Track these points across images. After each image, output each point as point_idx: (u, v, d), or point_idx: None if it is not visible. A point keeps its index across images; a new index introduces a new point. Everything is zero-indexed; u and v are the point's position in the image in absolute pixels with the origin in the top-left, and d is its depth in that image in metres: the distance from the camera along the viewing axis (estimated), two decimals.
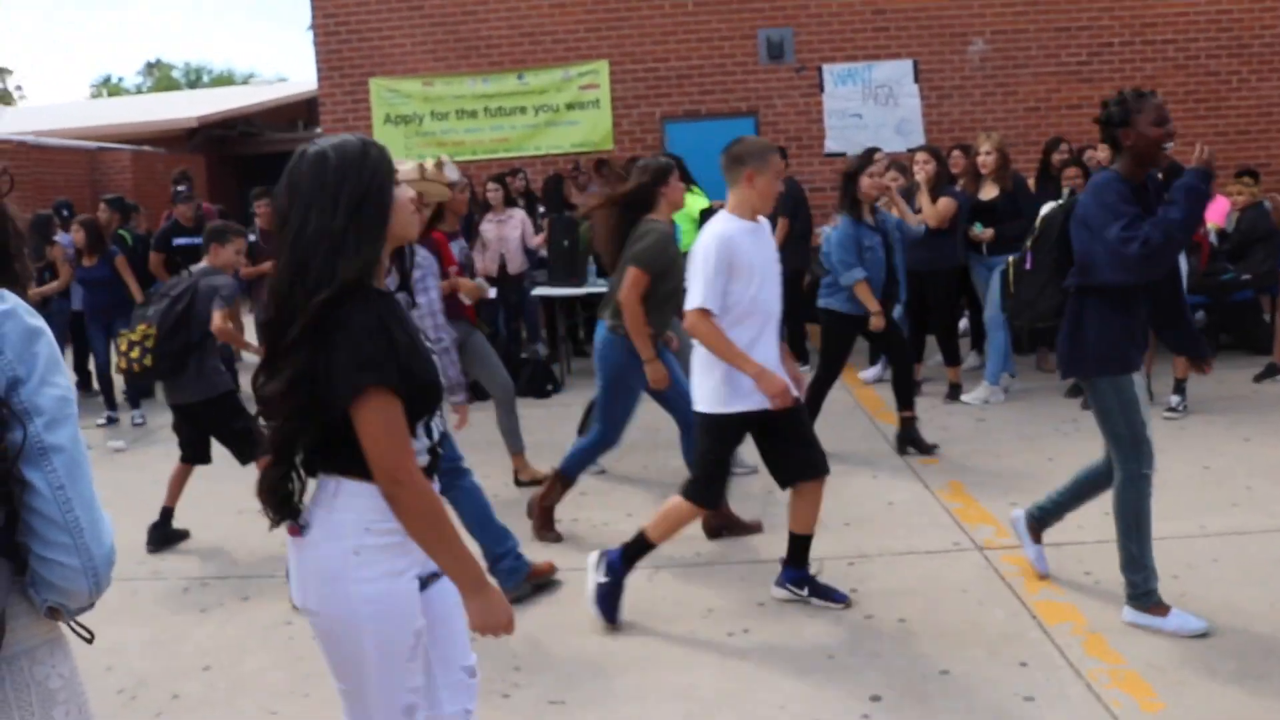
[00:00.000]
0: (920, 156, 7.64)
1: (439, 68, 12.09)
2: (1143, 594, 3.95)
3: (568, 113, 12.14)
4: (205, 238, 5.65)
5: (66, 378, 1.65)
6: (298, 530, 2.20)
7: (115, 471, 7.23)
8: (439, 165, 5.56)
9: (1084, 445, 6.33)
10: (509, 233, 9.08)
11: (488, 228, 9.11)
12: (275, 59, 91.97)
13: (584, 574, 4.37)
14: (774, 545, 4.99)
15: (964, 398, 7.58)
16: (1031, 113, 11.70)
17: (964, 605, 4.22)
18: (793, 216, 9.00)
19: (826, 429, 7.08)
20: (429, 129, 12.17)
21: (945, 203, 7.46)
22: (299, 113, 20.91)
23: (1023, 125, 11.59)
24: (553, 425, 7.52)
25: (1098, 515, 5.09)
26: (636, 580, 4.68)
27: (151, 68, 55.63)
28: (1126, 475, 3.96)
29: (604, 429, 5.39)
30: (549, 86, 12.10)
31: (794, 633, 4.06)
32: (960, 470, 5.99)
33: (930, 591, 4.38)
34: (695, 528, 5.31)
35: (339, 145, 2.11)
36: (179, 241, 9.13)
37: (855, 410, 7.63)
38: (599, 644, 4.11)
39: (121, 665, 4.15)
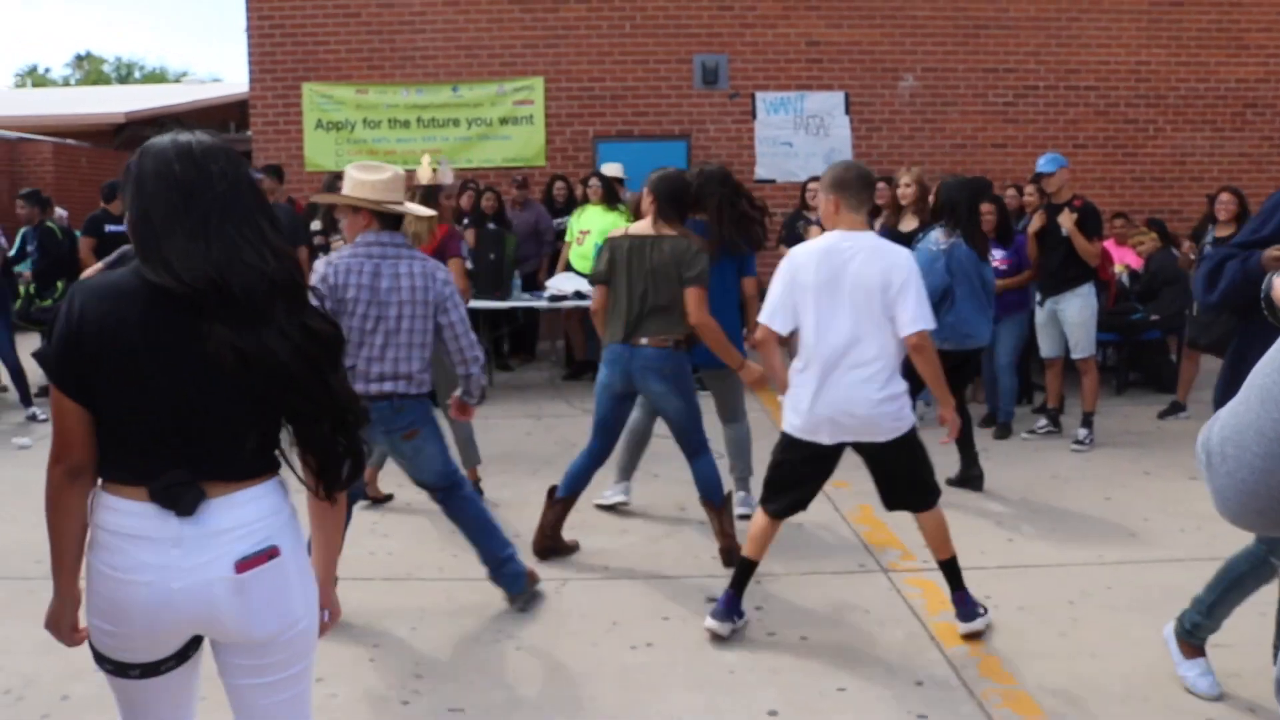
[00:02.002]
0: None
1: (373, 76, 12.04)
2: (1190, 629, 3.70)
3: (501, 127, 12.16)
4: None
5: None
6: (277, 551, 2.10)
7: (21, 470, 7.05)
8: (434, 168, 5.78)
9: (993, 472, 6.50)
10: None
11: None
12: (210, 59, 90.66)
13: (479, 584, 4.37)
14: (682, 561, 5.04)
15: None
16: (958, 149, 11.98)
17: (865, 625, 4.28)
18: None
19: None
20: (360, 136, 12.09)
21: None
22: (231, 114, 20.62)
23: (948, 161, 11.83)
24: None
25: (1000, 541, 5.23)
26: (545, 592, 4.69)
27: (81, 60, 54.47)
28: (1254, 549, 3.55)
29: (703, 446, 5.12)
30: (483, 100, 12.11)
31: (696, 647, 4.09)
32: (870, 494, 6.02)
33: (833, 611, 4.44)
34: (610, 541, 5.33)
35: None
36: (110, 229, 9.05)
37: (772, 432, 7.66)
38: (501, 653, 4.10)
39: (9, 665, 4.04)
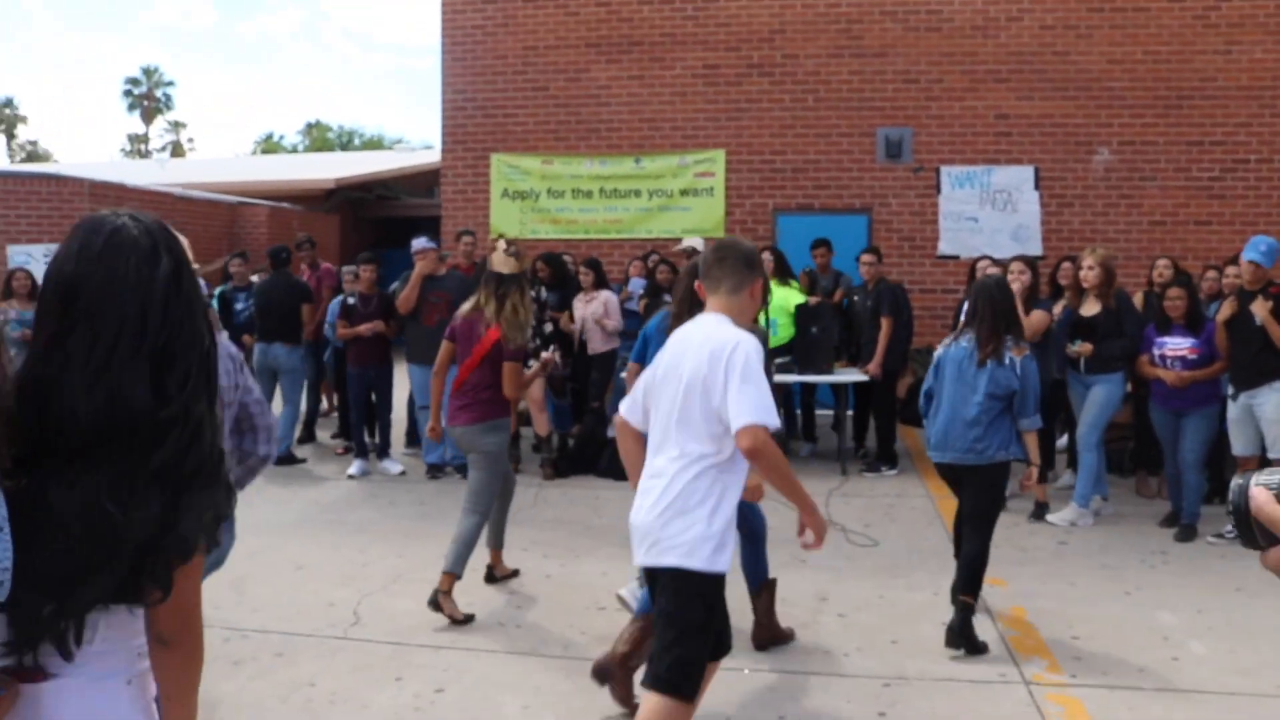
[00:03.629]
0: (1015, 267, 7.43)
1: (559, 147, 12.37)
2: None
3: (681, 198, 12.26)
4: None
5: None
6: (42, 675, 1.84)
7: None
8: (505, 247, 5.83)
9: (1169, 580, 6.02)
10: (589, 312, 9.15)
11: (577, 307, 9.25)
12: (424, 128, 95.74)
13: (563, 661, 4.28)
14: (812, 656, 4.82)
15: (1050, 517, 7.25)
16: (1156, 226, 11.34)
17: None
18: (895, 317, 8.85)
19: (901, 537, 6.89)
20: (544, 206, 12.42)
21: (1037, 315, 7.24)
22: (434, 180, 21.60)
23: (1146, 239, 11.24)
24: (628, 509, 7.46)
25: (1164, 659, 4.80)
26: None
27: (311, 128, 58.48)
28: None
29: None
30: (665, 172, 12.25)
31: None
32: (1028, 595, 5.70)
33: None
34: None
35: None
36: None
37: (935, 521, 7.36)
38: None
39: None
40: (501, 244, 5.96)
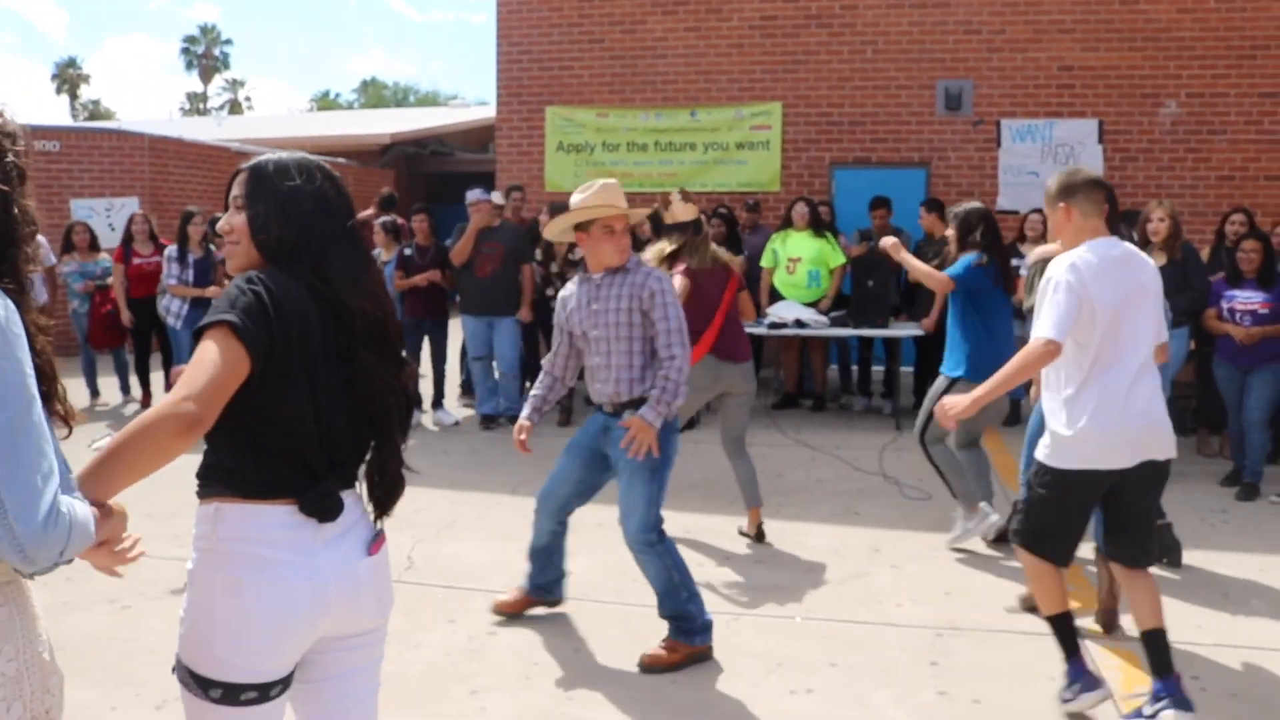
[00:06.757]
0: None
1: (614, 100, 12.29)
2: None
3: (737, 152, 12.14)
4: None
5: (18, 362, 1.57)
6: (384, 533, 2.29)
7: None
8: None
9: (1230, 539, 5.92)
10: None
11: None
12: (478, 86, 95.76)
13: (653, 610, 4.30)
14: (866, 605, 4.81)
15: None
16: (1225, 181, 11.04)
17: (1048, 694, 3.93)
18: None
19: None
20: (599, 159, 12.36)
21: None
22: (488, 136, 21.61)
23: (1213, 195, 10.95)
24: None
25: (1223, 616, 4.73)
26: (715, 626, 4.58)
27: (366, 86, 58.68)
28: None
29: None
30: (720, 125, 12.14)
31: (860, 700, 3.88)
32: (1083, 551, 5.60)
33: (1016, 674, 4.11)
34: (793, 579, 5.17)
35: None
36: None
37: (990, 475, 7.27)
38: (657, 685, 4.02)
39: None
40: (677, 195, 6.09)
